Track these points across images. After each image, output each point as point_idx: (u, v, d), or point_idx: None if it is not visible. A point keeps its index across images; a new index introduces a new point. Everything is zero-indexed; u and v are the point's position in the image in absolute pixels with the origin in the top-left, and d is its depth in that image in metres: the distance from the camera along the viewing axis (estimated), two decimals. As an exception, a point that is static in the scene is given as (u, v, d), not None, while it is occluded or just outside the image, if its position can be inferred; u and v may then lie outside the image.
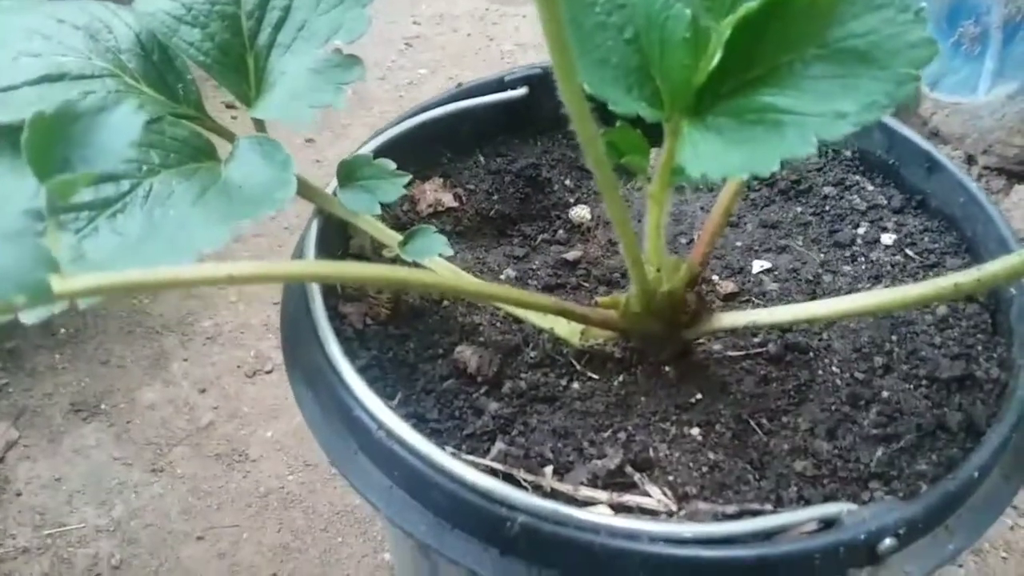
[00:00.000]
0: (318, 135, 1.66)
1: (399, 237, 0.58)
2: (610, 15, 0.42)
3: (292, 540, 1.06)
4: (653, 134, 0.48)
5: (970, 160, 1.51)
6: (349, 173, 0.56)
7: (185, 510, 1.09)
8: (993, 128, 1.45)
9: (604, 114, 0.44)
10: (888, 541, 0.44)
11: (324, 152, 1.63)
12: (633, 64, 0.42)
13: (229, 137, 0.57)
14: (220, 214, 0.48)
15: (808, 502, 0.49)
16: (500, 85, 0.75)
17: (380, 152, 0.69)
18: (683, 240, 0.70)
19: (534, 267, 0.67)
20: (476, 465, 0.48)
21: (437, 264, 0.58)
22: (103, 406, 1.20)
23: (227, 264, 0.36)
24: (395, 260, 0.60)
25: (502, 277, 0.66)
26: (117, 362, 1.25)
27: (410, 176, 0.56)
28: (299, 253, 0.59)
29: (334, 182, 0.62)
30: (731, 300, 0.64)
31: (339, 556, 1.05)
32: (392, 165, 0.56)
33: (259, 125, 0.56)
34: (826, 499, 0.49)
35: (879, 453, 0.51)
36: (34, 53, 0.52)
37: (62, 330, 1.27)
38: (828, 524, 0.45)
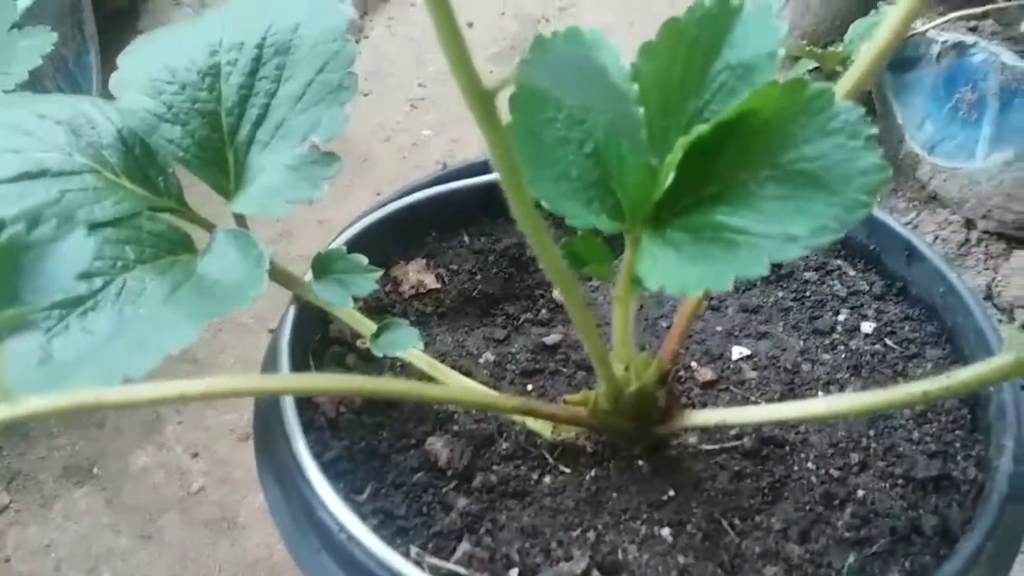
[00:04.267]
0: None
1: (373, 327, 0.58)
2: (571, 130, 0.42)
3: (278, 611, 1.05)
4: (617, 240, 0.48)
5: (969, 224, 1.51)
6: (323, 267, 0.57)
7: (172, 579, 1.08)
8: (991, 194, 1.45)
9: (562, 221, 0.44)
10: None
11: (327, 212, 1.64)
12: (594, 177, 0.43)
13: (210, 228, 0.58)
14: (189, 312, 0.48)
15: (778, 610, 0.48)
16: (485, 168, 0.76)
17: (367, 232, 0.70)
18: (664, 324, 0.70)
19: (513, 351, 0.67)
20: (438, 570, 0.48)
21: (412, 356, 0.58)
22: (95, 470, 1.19)
23: (177, 383, 0.36)
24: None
25: (480, 361, 0.66)
26: (112, 425, 1.25)
27: (381, 271, 0.57)
28: (274, 343, 0.60)
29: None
30: (709, 388, 0.64)
31: (325, 629, 1.04)
32: (364, 260, 0.56)
33: (239, 218, 0.57)
34: (796, 607, 0.48)
35: (851, 559, 0.50)
36: (14, 149, 0.53)
37: (59, 391, 1.27)
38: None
